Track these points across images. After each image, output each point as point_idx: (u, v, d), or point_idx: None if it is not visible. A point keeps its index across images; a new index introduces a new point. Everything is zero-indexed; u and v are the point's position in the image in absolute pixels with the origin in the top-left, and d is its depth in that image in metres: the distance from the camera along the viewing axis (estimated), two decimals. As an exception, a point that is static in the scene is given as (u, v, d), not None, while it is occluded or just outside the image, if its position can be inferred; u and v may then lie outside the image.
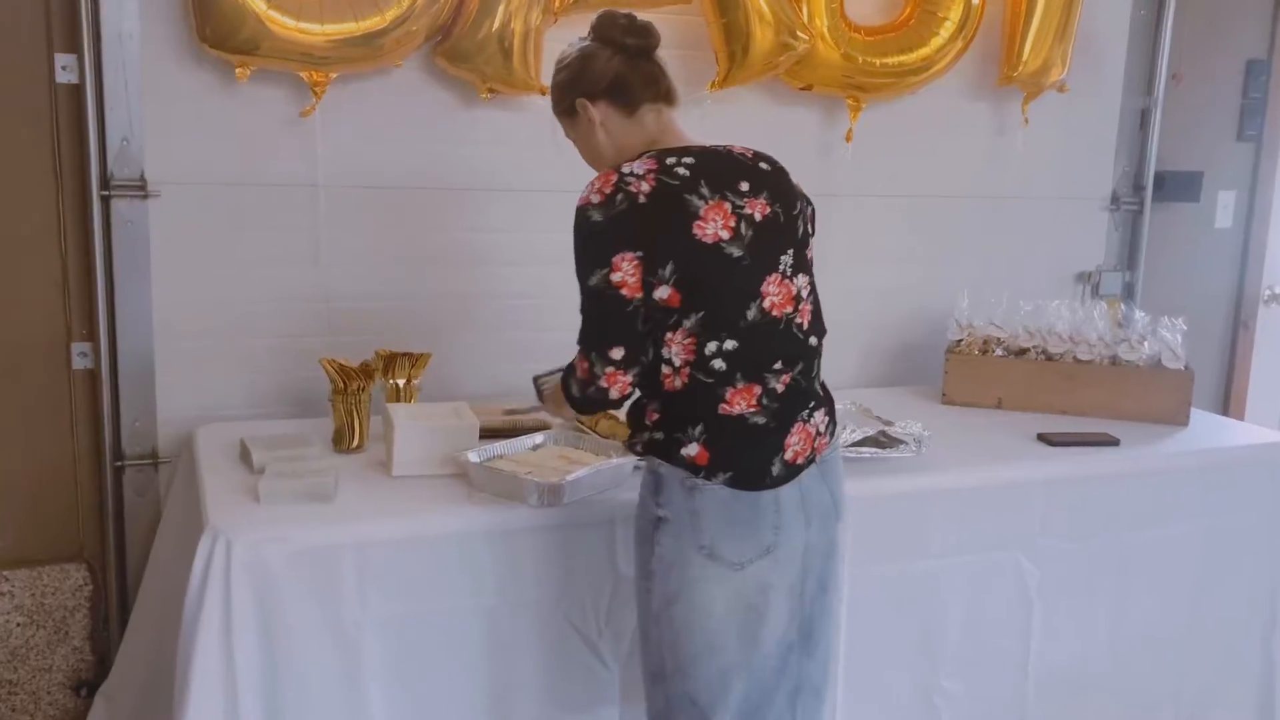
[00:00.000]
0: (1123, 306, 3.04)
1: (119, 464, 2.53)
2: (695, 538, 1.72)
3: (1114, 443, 2.58)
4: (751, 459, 1.74)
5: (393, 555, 1.93)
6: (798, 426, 1.78)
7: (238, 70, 2.43)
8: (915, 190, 3.16)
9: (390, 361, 2.40)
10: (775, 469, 1.75)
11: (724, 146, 1.84)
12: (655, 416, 1.76)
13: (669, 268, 1.68)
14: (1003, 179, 3.24)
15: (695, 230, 1.70)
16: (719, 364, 1.72)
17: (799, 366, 1.79)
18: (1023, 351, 2.90)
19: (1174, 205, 3.48)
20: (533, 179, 2.72)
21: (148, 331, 2.51)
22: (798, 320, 1.80)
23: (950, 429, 2.59)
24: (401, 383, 2.40)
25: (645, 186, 1.70)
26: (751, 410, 1.74)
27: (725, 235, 1.72)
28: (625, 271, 1.67)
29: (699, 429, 1.73)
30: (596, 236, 1.69)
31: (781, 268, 1.78)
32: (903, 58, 2.87)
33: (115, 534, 2.56)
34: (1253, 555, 2.64)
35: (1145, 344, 2.82)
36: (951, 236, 3.23)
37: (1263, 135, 3.59)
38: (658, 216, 1.69)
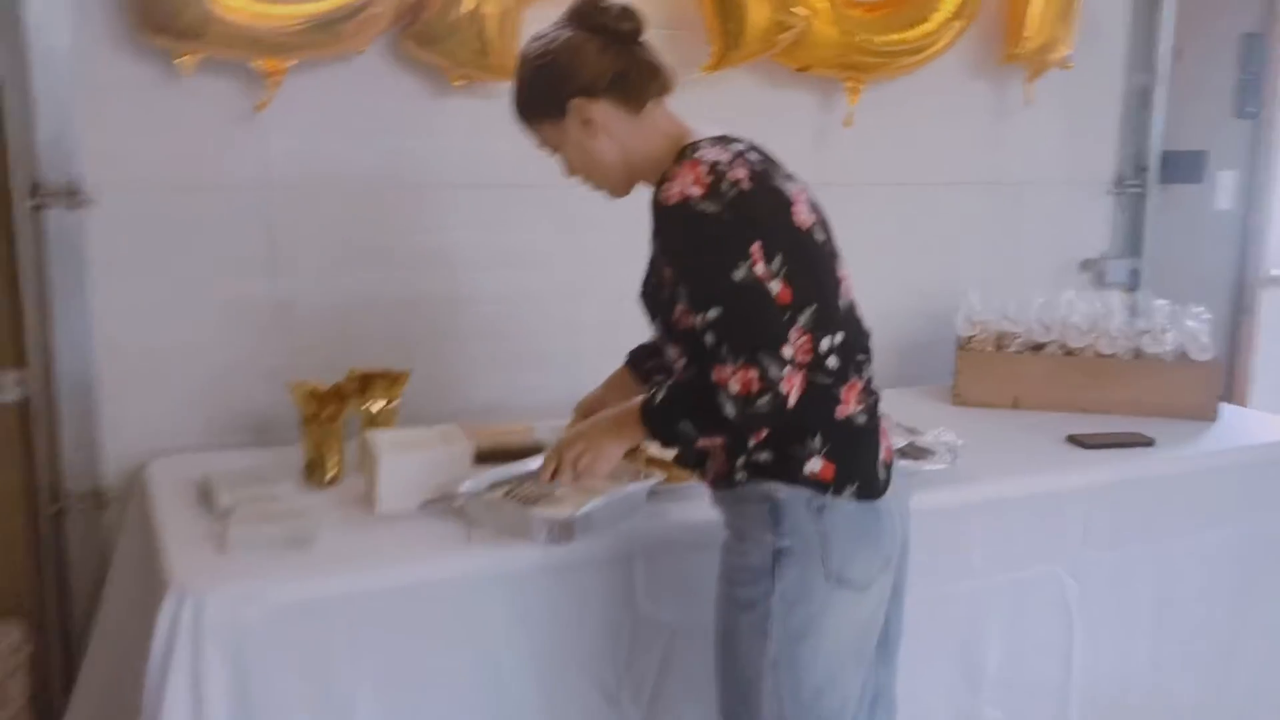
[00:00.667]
0: (1138, 296, 2.86)
1: (59, 505, 2.25)
2: (824, 564, 1.54)
3: (1149, 443, 2.41)
4: (869, 464, 1.59)
5: (386, 607, 1.70)
6: (882, 421, 1.64)
7: (182, 60, 2.16)
8: (913, 178, 2.96)
9: (365, 382, 2.15)
10: (880, 472, 1.60)
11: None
12: (763, 434, 1.56)
13: (777, 260, 1.49)
14: (1002, 163, 3.07)
15: (795, 217, 1.55)
16: (833, 361, 1.55)
17: (870, 355, 1.66)
18: (1040, 346, 2.72)
19: (1173, 186, 3.33)
20: (512, 173, 2.46)
21: (88, 355, 2.23)
22: (859, 307, 1.67)
23: (971, 433, 2.37)
24: (379, 405, 2.15)
25: (741, 173, 1.51)
26: (859, 409, 1.59)
27: (811, 220, 1.58)
28: (762, 262, 1.47)
29: (818, 439, 1.54)
30: (724, 228, 1.48)
31: (840, 252, 1.65)
32: (904, 34, 2.68)
33: (57, 585, 2.28)
34: (1295, 558, 2.49)
35: (1169, 335, 2.65)
36: (951, 225, 3.04)
37: (1261, 112, 3.45)
38: (765, 205, 1.52)
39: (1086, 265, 3.25)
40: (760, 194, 1.51)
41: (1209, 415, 2.61)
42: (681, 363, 1.61)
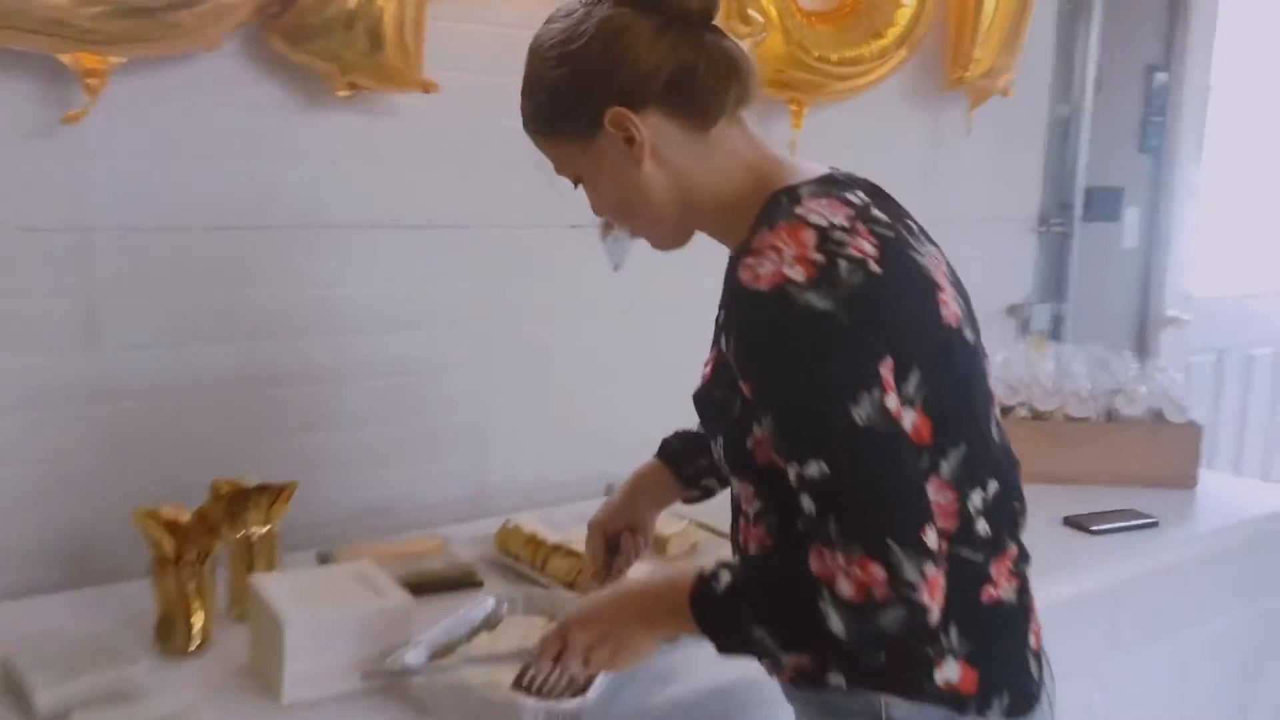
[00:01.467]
0: (1101, 350, 2.60)
1: None
2: None
3: (1154, 523, 2.13)
4: (1019, 664, 1.14)
5: None
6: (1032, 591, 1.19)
7: (-45, 50, 1.53)
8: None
9: (238, 501, 1.57)
10: (1033, 668, 1.15)
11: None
12: None
13: (914, 379, 1.03)
14: (934, 199, 2.74)
15: (941, 309, 1.07)
16: (984, 526, 1.09)
17: (1025, 503, 1.19)
18: (1006, 410, 2.41)
19: (1084, 225, 3.13)
20: (410, 211, 1.96)
21: None
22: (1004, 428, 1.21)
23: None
24: (258, 532, 1.58)
25: (868, 246, 1.03)
26: (1009, 586, 1.13)
27: (960, 312, 1.11)
28: (894, 391, 1.00)
29: (954, 635, 1.07)
30: (841, 337, 0.99)
31: (986, 351, 1.19)
32: (859, 50, 2.32)
33: None
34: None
35: (1141, 393, 2.40)
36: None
37: (1163, 146, 3.31)
38: (903, 297, 1.05)
39: (1013, 311, 2.99)
40: (895, 279, 1.04)
41: (1188, 483, 2.36)
42: (756, 507, 1.14)
